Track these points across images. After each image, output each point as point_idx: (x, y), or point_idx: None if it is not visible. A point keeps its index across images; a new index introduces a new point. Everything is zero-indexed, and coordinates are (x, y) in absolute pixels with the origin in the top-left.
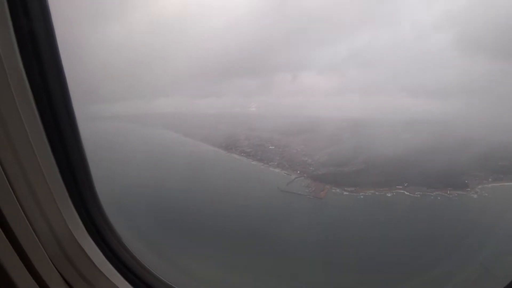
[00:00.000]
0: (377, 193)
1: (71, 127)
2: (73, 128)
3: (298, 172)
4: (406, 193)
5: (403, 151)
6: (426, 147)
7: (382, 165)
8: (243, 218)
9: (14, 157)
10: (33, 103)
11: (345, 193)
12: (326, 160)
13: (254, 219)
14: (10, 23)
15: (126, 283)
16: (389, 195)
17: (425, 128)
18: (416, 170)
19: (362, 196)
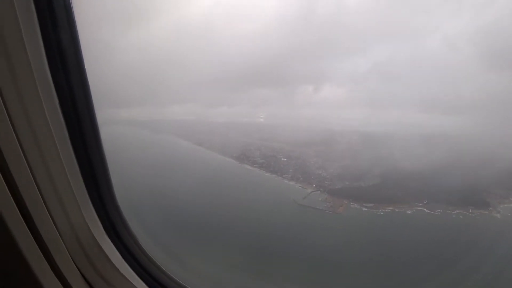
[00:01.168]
0: (396, 209)
1: (92, 131)
2: (95, 132)
3: (314, 185)
4: (426, 210)
5: (420, 166)
6: (444, 162)
7: (399, 181)
8: (260, 231)
9: (41, 158)
10: (58, 106)
11: (364, 209)
12: (341, 173)
13: (272, 233)
14: (38, 29)
15: (141, 282)
16: (409, 212)
17: (442, 143)
18: (435, 186)
19: (382, 213)
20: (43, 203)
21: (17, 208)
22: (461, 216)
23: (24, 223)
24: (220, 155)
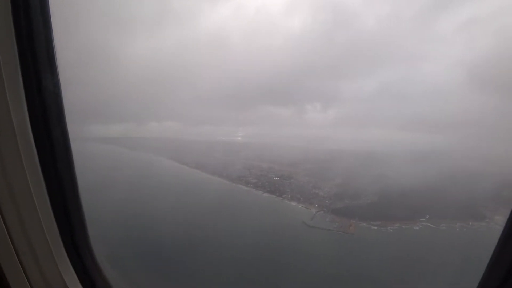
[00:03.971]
0: (403, 226)
1: (69, 173)
2: (72, 175)
3: (316, 205)
4: (431, 225)
5: (415, 183)
6: (438, 179)
7: (396, 198)
8: (277, 258)
9: (14, 204)
10: (36, 155)
11: (373, 227)
12: (338, 192)
13: (290, 258)
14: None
15: None
16: (416, 228)
17: (433, 159)
18: (433, 202)
19: (391, 230)
20: (11, 245)
21: None
22: (464, 229)
23: None
24: (210, 175)
